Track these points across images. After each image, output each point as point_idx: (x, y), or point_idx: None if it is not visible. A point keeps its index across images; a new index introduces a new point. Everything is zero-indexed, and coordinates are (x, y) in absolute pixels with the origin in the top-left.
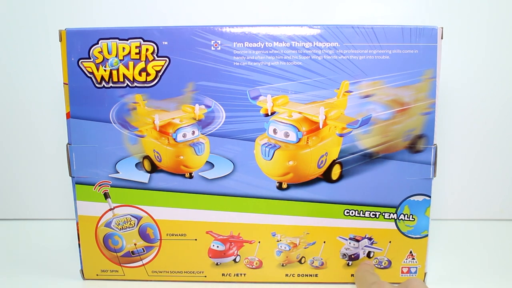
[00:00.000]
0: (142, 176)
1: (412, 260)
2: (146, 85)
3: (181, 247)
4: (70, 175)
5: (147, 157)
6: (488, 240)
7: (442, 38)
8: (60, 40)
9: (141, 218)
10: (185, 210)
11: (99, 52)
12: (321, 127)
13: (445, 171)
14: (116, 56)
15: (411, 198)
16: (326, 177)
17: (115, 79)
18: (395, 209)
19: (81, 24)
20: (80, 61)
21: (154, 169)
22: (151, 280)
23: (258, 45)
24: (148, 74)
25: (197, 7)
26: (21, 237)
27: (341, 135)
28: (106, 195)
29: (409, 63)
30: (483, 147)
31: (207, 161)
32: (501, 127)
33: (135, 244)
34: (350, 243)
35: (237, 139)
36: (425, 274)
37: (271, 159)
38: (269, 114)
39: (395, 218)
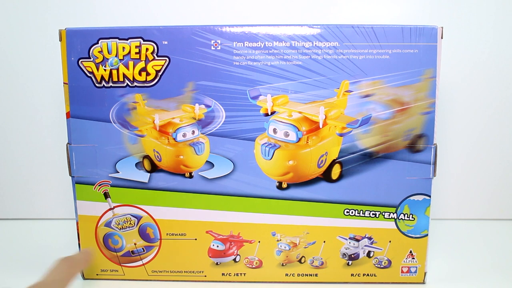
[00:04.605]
0: (142, 176)
1: (412, 260)
2: (146, 84)
3: (181, 247)
4: (70, 174)
5: (147, 156)
6: (488, 240)
7: (442, 38)
8: (60, 40)
9: (141, 217)
10: (185, 209)
11: (99, 51)
12: (321, 126)
13: (445, 171)
14: (116, 56)
15: (411, 198)
16: (326, 176)
17: (115, 79)
18: (395, 208)
19: (81, 24)
20: (80, 60)
21: (154, 168)
22: (151, 280)
23: (258, 44)
24: (148, 74)
25: (197, 7)
26: (21, 237)
27: (341, 135)
28: (106, 195)
29: (409, 63)
30: (483, 147)
31: (207, 161)
32: (501, 127)
33: (135, 244)
34: (350, 242)
35: (237, 139)
36: (425, 273)
37: (271, 158)
38: (269, 113)
39: (395, 217)
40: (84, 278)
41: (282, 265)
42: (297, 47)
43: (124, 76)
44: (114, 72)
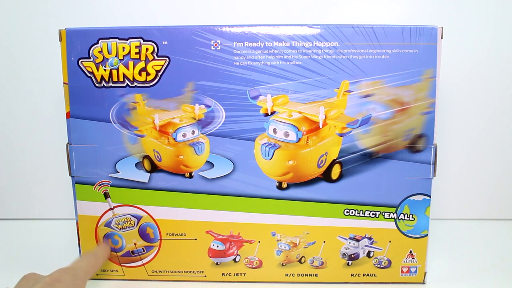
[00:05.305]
0: (142, 176)
1: (412, 260)
2: (146, 84)
3: (181, 247)
4: (70, 174)
5: (147, 156)
6: (488, 240)
7: (442, 38)
8: (60, 40)
9: (141, 217)
10: (185, 209)
11: (99, 51)
12: (321, 126)
13: (445, 171)
14: (116, 56)
15: (411, 198)
16: (326, 176)
17: (115, 79)
18: (395, 208)
19: (81, 24)
20: (80, 60)
21: (154, 168)
22: (151, 280)
23: (258, 44)
24: (148, 74)
25: (197, 7)
26: (21, 237)
27: (341, 135)
28: (106, 195)
29: (409, 63)
30: (483, 147)
31: (207, 161)
32: (501, 127)
33: (135, 244)
34: (350, 242)
35: (237, 139)
36: (425, 273)
37: (271, 158)
38: (269, 113)
39: (395, 217)
40: None
41: (282, 265)
42: (297, 47)
43: (124, 76)
44: (114, 72)
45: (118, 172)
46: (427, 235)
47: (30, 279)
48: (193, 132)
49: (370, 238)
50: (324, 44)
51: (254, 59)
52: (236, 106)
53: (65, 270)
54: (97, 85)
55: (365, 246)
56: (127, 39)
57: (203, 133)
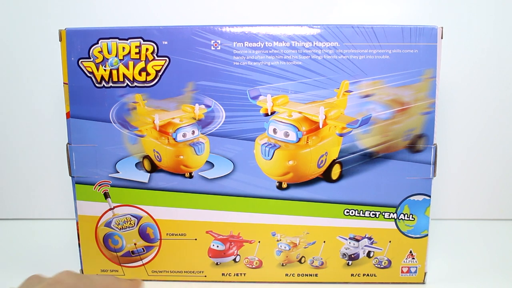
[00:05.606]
0: (142, 176)
1: (412, 260)
2: (146, 84)
3: (181, 247)
4: (70, 175)
5: (147, 156)
6: (488, 240)
7: (442, 38)
8: (60, 40)
9: (141, 217)
10: (185, 210)
11: (99, 51)
12: (321, 126)
13: (445, 171)
14: (116, 56)
15: (411, 198)
16: (326, 176)
17: (115, 79)
18: (395, 208)
19: (81, 24)
20: (80, 60)
21: (154, 168)
22: (151, 280)
23: (258, 44)
24: (148, 74)
25: (197, 7)
26: (21, 237)
27: (341, 135)
28: (106, 195)
29: (409, 63)
30: (483, 147)
31: (207, 161)
32: (501, 127)
33: (135, 244)
34: (350, 242)
35: (237, 139)
36: (425, 274)
37: (271, 158)
38: (269, 113)
39: (395, 217)
40: None
41: (282, 265)
42: (297, 47)
43: (124, 76)
44: (114, 72)
45: (118, 172)
46: (427, 235)
47: (34, 281)
48: (193, 132)
49: (370, 238)
50: (324, 44)
51: (254, 59)
52: (236, 106)
53: (70, 272)
54: (97, 85)
55: (365, 246)
56: (127, 39)
57: (203, 133)
